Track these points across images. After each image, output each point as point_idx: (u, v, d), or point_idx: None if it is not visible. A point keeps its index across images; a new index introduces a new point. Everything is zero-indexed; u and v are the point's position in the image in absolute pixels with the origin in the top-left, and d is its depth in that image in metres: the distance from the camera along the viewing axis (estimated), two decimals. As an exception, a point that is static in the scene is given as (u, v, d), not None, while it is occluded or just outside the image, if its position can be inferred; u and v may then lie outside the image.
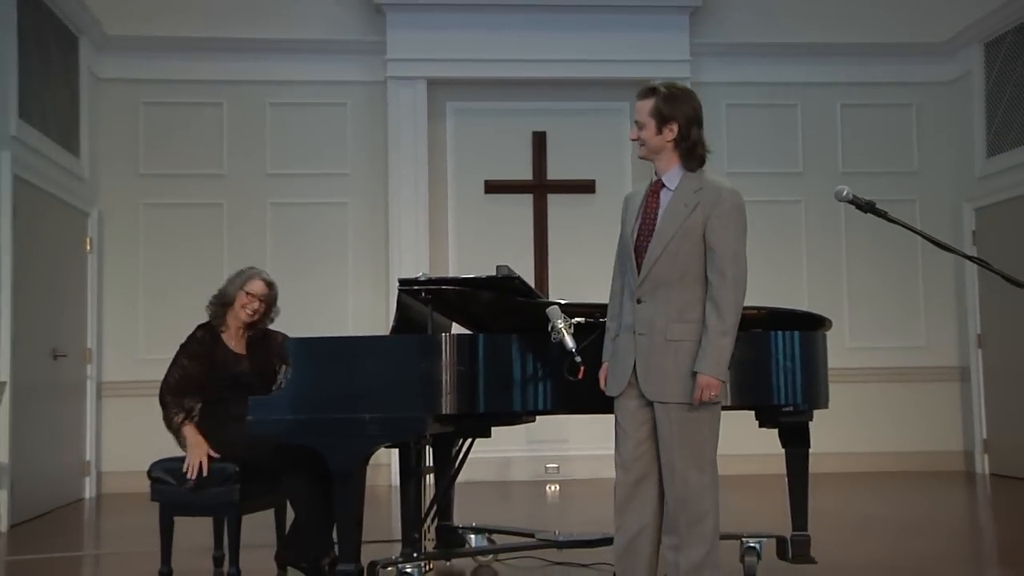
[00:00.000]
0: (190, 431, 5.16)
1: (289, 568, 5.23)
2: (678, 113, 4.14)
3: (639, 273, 4.11)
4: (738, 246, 4.12)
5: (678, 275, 4.10)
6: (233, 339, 5.39)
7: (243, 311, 5.29)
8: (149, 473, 5.41)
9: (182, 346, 5.33)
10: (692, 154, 4.17)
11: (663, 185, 4.19)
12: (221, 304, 5.36)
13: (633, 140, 4.24)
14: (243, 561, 5.09)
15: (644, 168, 10.47)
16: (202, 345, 5.31)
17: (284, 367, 4.99)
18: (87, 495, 9.50)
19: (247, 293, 5.28)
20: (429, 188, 10.10)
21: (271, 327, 5.54)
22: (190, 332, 5.38)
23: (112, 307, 9.77)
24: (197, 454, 5.08)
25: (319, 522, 5.09)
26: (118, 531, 7.69)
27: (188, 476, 5.05)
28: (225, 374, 5.26)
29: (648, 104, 4.16)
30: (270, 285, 5.39)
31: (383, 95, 10.14)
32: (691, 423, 4.06)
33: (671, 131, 4.14)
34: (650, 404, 4.11)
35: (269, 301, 5.39)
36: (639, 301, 4.11)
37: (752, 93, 10.51)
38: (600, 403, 4.32)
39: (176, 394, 5.22)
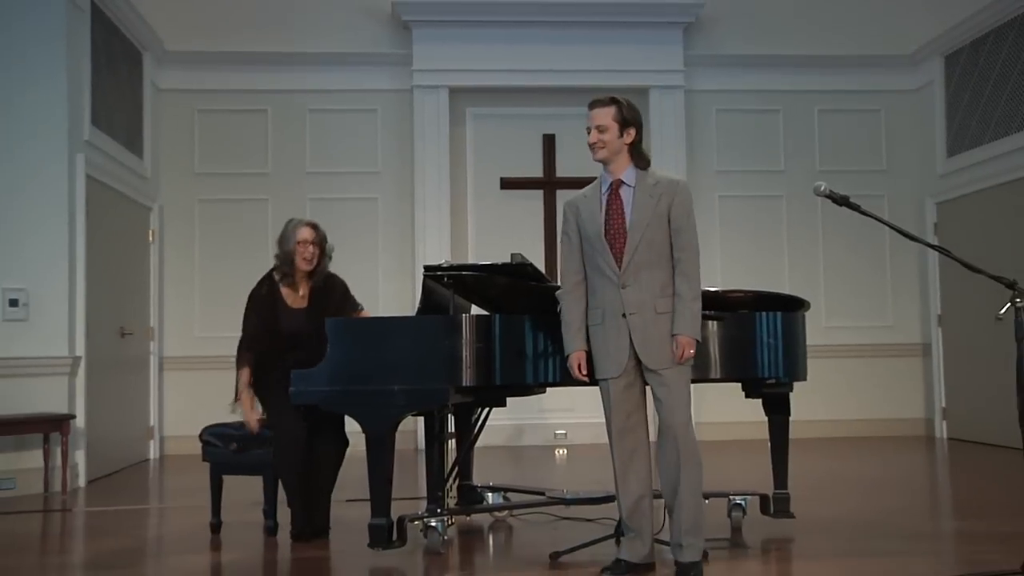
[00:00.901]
0: (245, 399, 5.21)
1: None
2: (635, 120, 4.30)
3: (621, 262, 4.18)
4: (694, 224, 4.29)
5: (656, 257, 4.21)
6: (300, 289, 5.33)
7: (302, 260, 5.25)
8: (200, 437, 5.49)
9: (248, 301, 5.34)
10: (641, 155, 4.32)
11: (622, 183, 4.28)
12: (286, 262, 5.30)
13: (592, 144, 4.28)
14: (281, 515, 5.25)
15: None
16: (263, 300, 5.29)
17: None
18: (151, 456, 9.56)
19: (299, 242, 5.24)
20: (451, 184, 10.11)
21: (331, 270, 5.47)
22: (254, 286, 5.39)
23: (171, 291, 9.79)
24: (250, 420, 5.18)
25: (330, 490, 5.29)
26: (177, 487, 7.72)
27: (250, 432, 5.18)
28: (283, 334, 5.22)
29: (610, 111, 4.26)
30: (315, 227, 5.34)
31: (410, 102, 10.12)
32: (681, 383, 4.20)
33: (629, 135, 4.27)
34: (637, 380, 4.21)
35: (319, 241, 5.32)
36: (624, 286, 4.16)
37: (739, 99, 10.50)
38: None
39: (249, 348, 5.25)
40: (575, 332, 4.29)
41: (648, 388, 4.24)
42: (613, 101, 4.26)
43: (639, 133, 4.28)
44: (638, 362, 4.17)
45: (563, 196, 10.03)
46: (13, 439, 7.19)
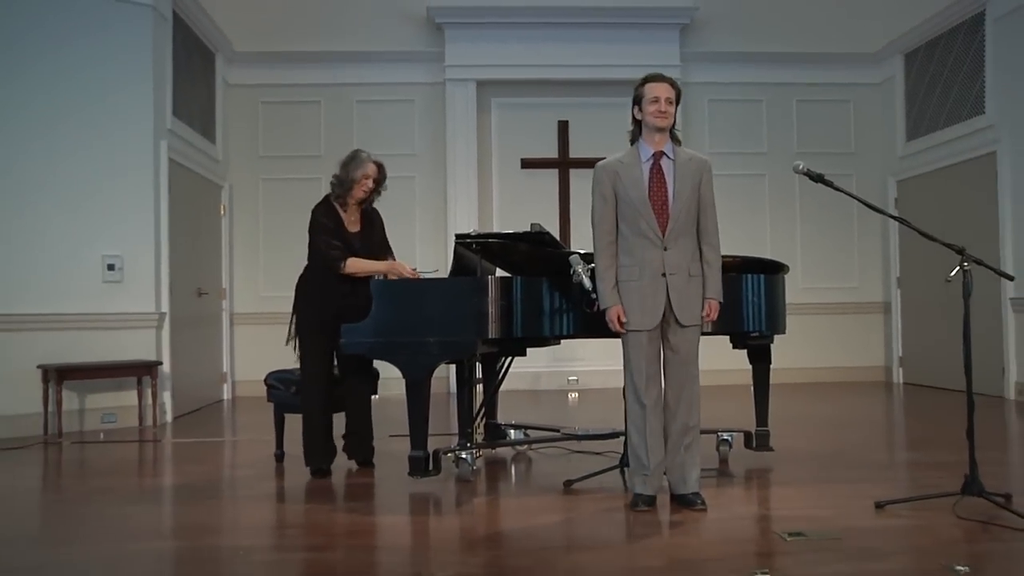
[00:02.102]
0: (392, 268, 4.97)
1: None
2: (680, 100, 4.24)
3: (665, 228, 4.09)
4: (714, 199, 4.24)
5: (690, 226, 4.16)
6: (351, 214, 5.17)
7: (360, 191, 5.10)
8: (265, 381, 5.53)
9: (314, 218, 5.08)
10: (675, 133, 4.24)
11: (664, 155, 4.15)
12: (344, 187, 5.10)
13: (663, 112, 4.09)
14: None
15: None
16: (328, 218, 5.08)
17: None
18: (224, 397, 9.64)
19: (364, 176, 5.09)
20: (478, 164, 10.09)
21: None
22: (313, 212, 5.13)
23: (240, 256, 9.85)
24: (404, 270, 4.96)
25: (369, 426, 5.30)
26: (246, 423, 7.79)
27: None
28: (345, 244, 5.05)
29: (672, 89, 4.15)
30: (380, 166, 5.18)
31: (442, 94, 10.09)
32: (697, 339, 4.20)
33: (677, 113, 4.21)
34: (659, 334, 4.15)
35: (380, 179, 5.19)
36: (666, 248, 4.10)
37: (728, 91, 10.45)
38: (609, 331, 4.28)
39: (334, 248, 4.97)
40: (612, 288, 4.14)
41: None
42: (670, 79, 4.17)
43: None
44: (664, 318, 4.12)
45: (576, 174, 10.15)
46: (113, 381, 7.33)
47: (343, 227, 5.12)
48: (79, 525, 4.11)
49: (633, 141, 4.25)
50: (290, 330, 5.17)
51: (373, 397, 5.69)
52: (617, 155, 4.28)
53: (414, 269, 5.03)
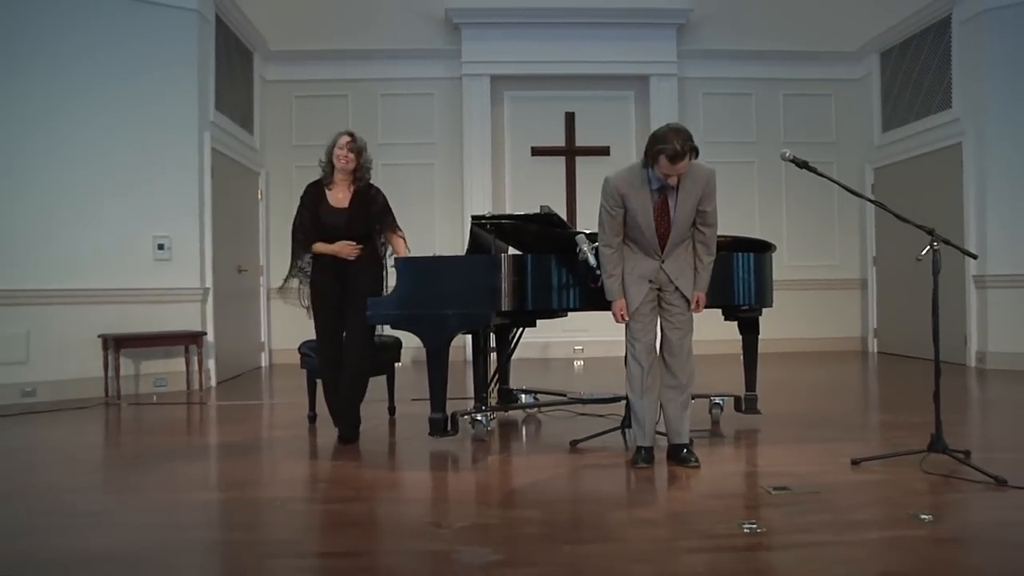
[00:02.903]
0: (329, 248, 4.88)
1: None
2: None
3: (663, 248, 4.08)
4: (715, 205, 4.15)
5: (686, 235, 4.13)
6: (340, 192, 4.99)
7: (340, 162, 4.95)
8: (299, 349, 5.54)
9: (300, 199, 5.05)
10: None
11: (669, 186, 4.00)
12: (328, 164, 5.02)
13: (670, 177, 3.91)
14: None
15: (645, 137, 10.48)
16: (309, 198, 4.99)
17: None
18: (262, 364, 9.68)
19: (337, 147, 4.96)
20: (491, 152, 10.05)
21: (373, 182, 5.10)
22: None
23: (275, 237, 9.79)
24: (344, 249, 4.90)
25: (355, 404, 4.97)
26: (282, 388, 7.82)
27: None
28: (325, 226, 4.91)
29: (688, 160, 3.89)
30: (352, 136, 5.02)
31: (459, 88, 10.04)
32: (689, 309, 4.18)
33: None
34: (655, 308, 4.16)
35: (356, 149, 4.98)
36: (663, 262, 4.11)
37: (721, 85, 10.36)
38: (610, 304, 4.28)
39: (297, 233, 4.99)
40: (618, 285, 4.14)
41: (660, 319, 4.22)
42: (693, 150, 3.87)
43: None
44: (662, 289, 4.14)
45: (582, 161, 10.14)
46: (163, 349, 7.37)
47: (325, 205, 4.96)
48: (136, 476, 4.16)
49: (644, 164, 3.99)
50: (294, 264, 5.09)
51: (396, 364, 5.71)
52: (626, 172, 4.10)
53: (354, 246, 4.89)
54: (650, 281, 4.12)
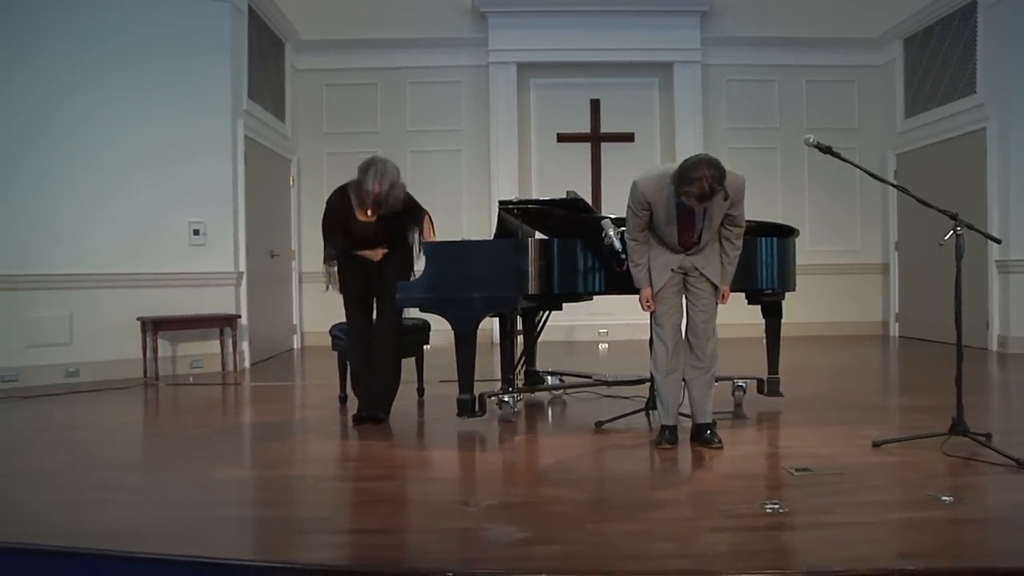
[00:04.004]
0: (366, 254, 4.88)
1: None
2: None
3: (689, 247, 4.06)
4: (743, 208, 4.11)
5: (712, 238, 4.10)
6: (368, 210, 4.84)
7: (366, 206, 4.79)
8: (330, 332, 5.58)
9: (326, 206, 4.91)
10: None
11: None
12: (359, 195, 4.80)
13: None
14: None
15: (669, 123, 10.53)
16: (338, 209, 4.86)
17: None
18: (295, 346, 9.76)
19: (364, 197, 4.76)
20: (518, 139, 10.03)
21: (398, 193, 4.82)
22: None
23: (307, 222, 9.81)
24: (375, 254, 4.90)
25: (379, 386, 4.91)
26: (313, 369, 7.90)
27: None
28: (355, 237, 4.84)
29: (713, 195, 3.78)
30: (381, 192, 4.71)
31: (486, 75, 10.02)
32: (715, 296, 4.16)
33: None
34: (681, 292, 4.15)
35: (381, 199, 4.73)
36: (689, 255, 4.09)
37: (744, 72, 10.27)
38: (636, 288, 4.27)
39: (328, 239, 4.93)
40: (645, 274, 4.11)
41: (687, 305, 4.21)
42: (723, 189, 3.76)
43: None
44: (687, 275, 4.13)
45: (607, 147, 10.11)
46: (199, 332, 7.46)
47: (353, 218, 4.84)
48: (174, 454, 4.23)
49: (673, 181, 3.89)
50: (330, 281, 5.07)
51: (425, 347, 5.73)
52: (655, 180, 3.97)
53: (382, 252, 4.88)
54: (673, 269, 4.11)
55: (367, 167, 4.80)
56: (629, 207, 4.08)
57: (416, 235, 5.04)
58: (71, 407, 5.78)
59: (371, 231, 4.87)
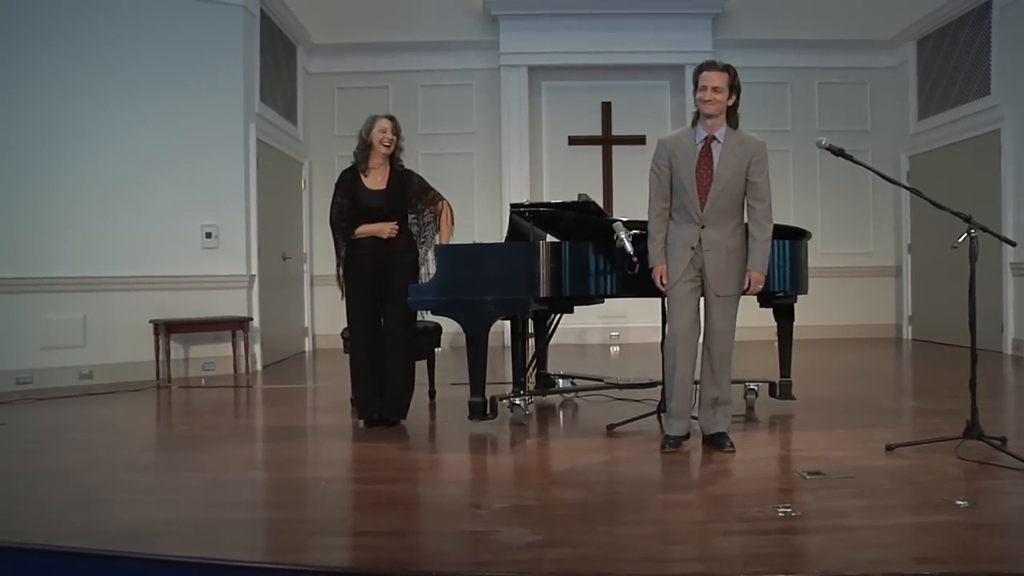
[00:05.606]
0: (371, 229, 4.83)
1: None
2: (739, 87, 4.06)
3: (703, 206, 3.99)
4: (768, 178, 4.07)
5: (731, 206, 4.04)
6: (378, 176, 4.87)
7: (381, 145, 4.82)
8: (341, 335, 5.56)
9: (335, 187, 4.92)
10: (735, 117, 4.08)
11: (715, 139, 4.03)
12: (364, 149, 4.87)
13: (707, 100, 3.94)
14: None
15: (681, 126, 10.41)
16: (347, 184, 4.86)
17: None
18: (306, 349, 9.79)
19: (380, 130, 4.83)
20: (529, 142, 10.04)
21: (408, 167, 5.00)
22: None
23: (319, 225, 9.85)
24: (384, 229, 4.85)
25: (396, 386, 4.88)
26: (325, 372, 7.92)
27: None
28: (365, 208, 4.81)
29: (725, 76, 3.98)
30: (392, 118, 4.90)
31: (497, 78, 10.03)
32: (732, 310, 4.09)
33: (732, 99, 4.03)
34: (696, 292, 4.08)
35: (396, 130, 4.87)
36: (703, 227, 4.01)
37: (756, 74, 10.13)
38: (648, 290, 4.27)
39: (336, 224, 4.87)
40: (660, 250, 4.09)
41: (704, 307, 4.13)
42: (727, 68, 3.98)
43: (738, 98, 4.04)
44: (703, 288, 4.06)
45: (618, 150, 10.09)
46: (211, 334, 7.48)
47: (363, 188, 4.83)
48: (186, 456, 4.24)
49: (693, 123, 4.09)
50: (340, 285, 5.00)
51: (436, 349, 5.73)
52: (678, 131, 4.16)
53: (393, 226, 4.83)
54: (693, 247, 4.01)
55: (368, 120, 4.93)
56: (652, 168, 4.11)
57: (427, 218, 4.98)
58: (85, 409, 5.81)
59: (382, 200, 4.83)
